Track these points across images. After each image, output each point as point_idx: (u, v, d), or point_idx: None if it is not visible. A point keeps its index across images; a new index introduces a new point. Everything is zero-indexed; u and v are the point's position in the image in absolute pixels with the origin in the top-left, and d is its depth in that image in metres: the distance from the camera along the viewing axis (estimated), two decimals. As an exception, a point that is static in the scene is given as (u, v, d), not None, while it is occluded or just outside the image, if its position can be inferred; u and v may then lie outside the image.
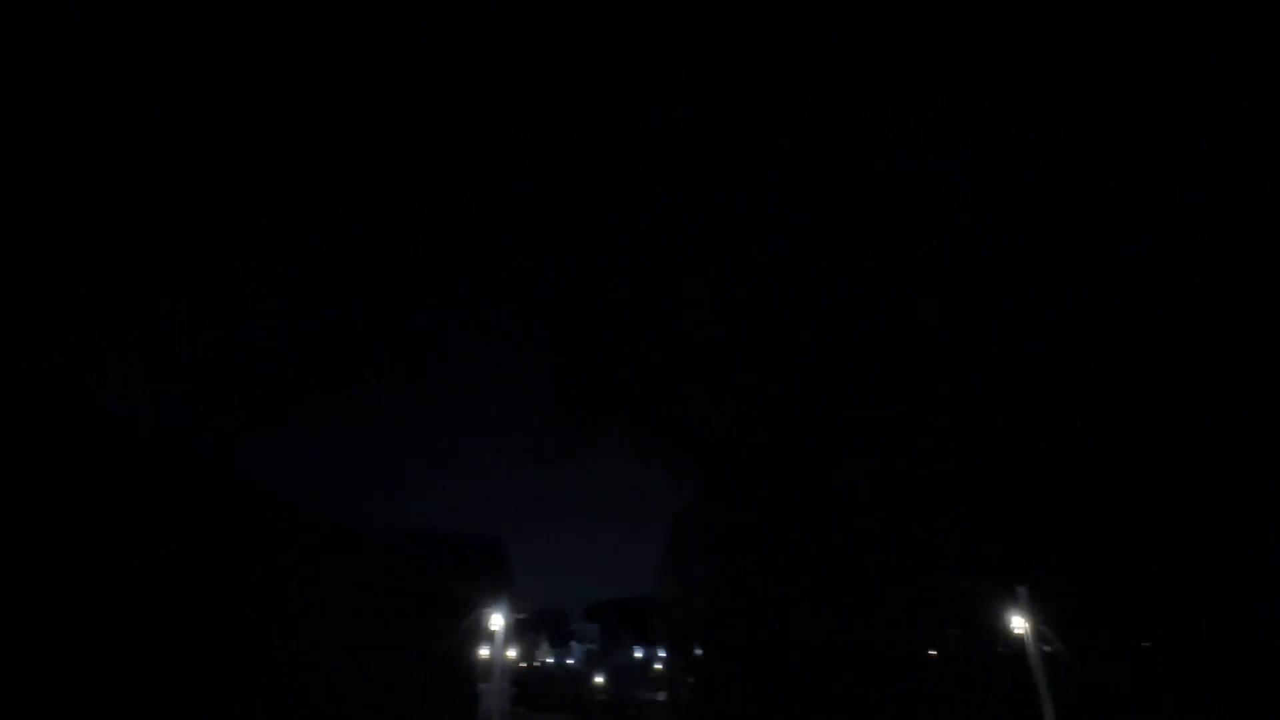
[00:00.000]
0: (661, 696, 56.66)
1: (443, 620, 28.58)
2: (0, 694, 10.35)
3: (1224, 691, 22.29)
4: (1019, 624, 21.84)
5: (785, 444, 30.10)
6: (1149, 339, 26.29)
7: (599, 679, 66.61)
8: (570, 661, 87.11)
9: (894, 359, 29.98)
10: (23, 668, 10.88)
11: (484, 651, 31.70)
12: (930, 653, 30.64)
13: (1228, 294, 28.21)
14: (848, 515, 27.99)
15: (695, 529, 37.26)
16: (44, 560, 11.53)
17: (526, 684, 53.84)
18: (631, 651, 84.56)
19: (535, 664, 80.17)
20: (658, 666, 74.63)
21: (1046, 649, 22.07)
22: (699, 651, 42.11)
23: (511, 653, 36.16)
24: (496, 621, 26.78)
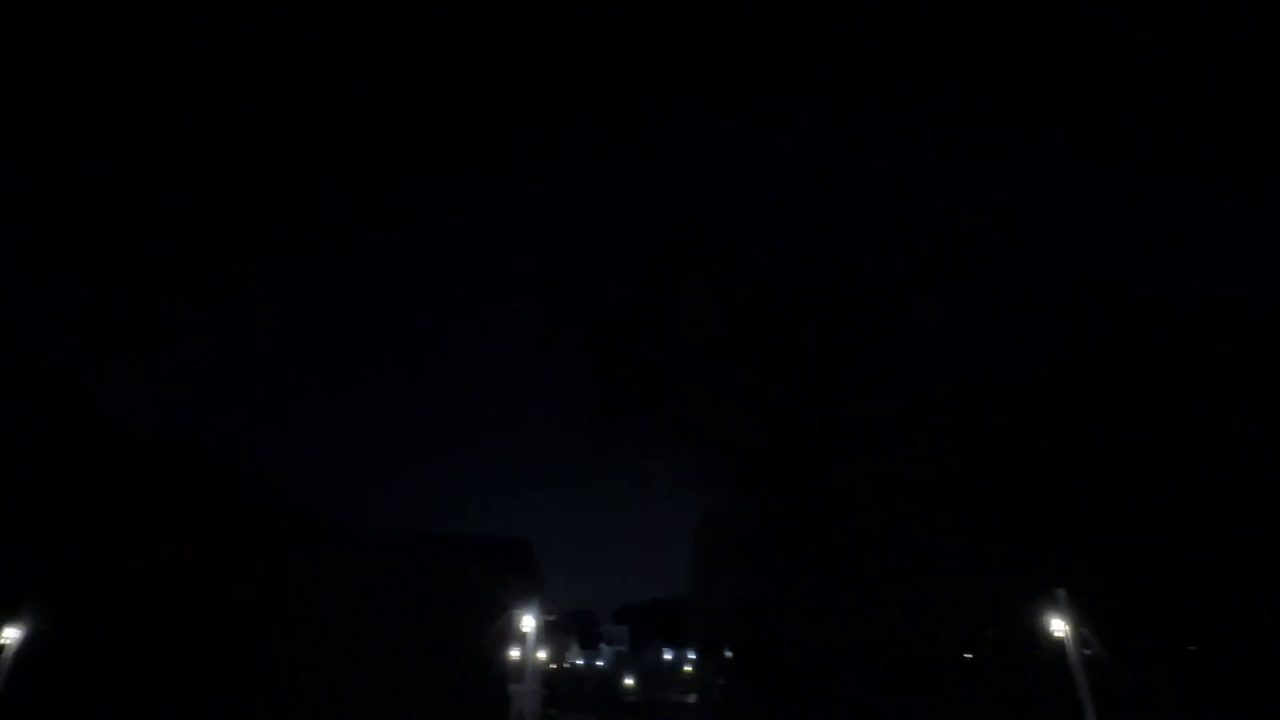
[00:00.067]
0: (692, 699, 56.45)
1: (474, 621, 28.85)
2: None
3: (1267, 694, 21.67)
4: (1059, 627, 21.36)
5: (815, 445, 29.91)
6: (1156, 338, 25.78)
7: (629, 681, 66.62)
8: (600, 663, 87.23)
9: (914, 358, 29.68)
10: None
11: (515, 653, 31.91)
12: (966, 655, 30.12)
13: (1227, 294, 27.59)
14: (879, 517, 27.68)
15: (724, 530, 37.12)
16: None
17: (557, 685, 54.06)
18: (661, 653, 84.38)
19: (565, 665, 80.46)
20: (687, 668, 74.37)
21: (1087, 652, 21.55)
22: (729, 653, 41.91)
23: (542, 654, 36.34)
24: (528, 623, 26.94)
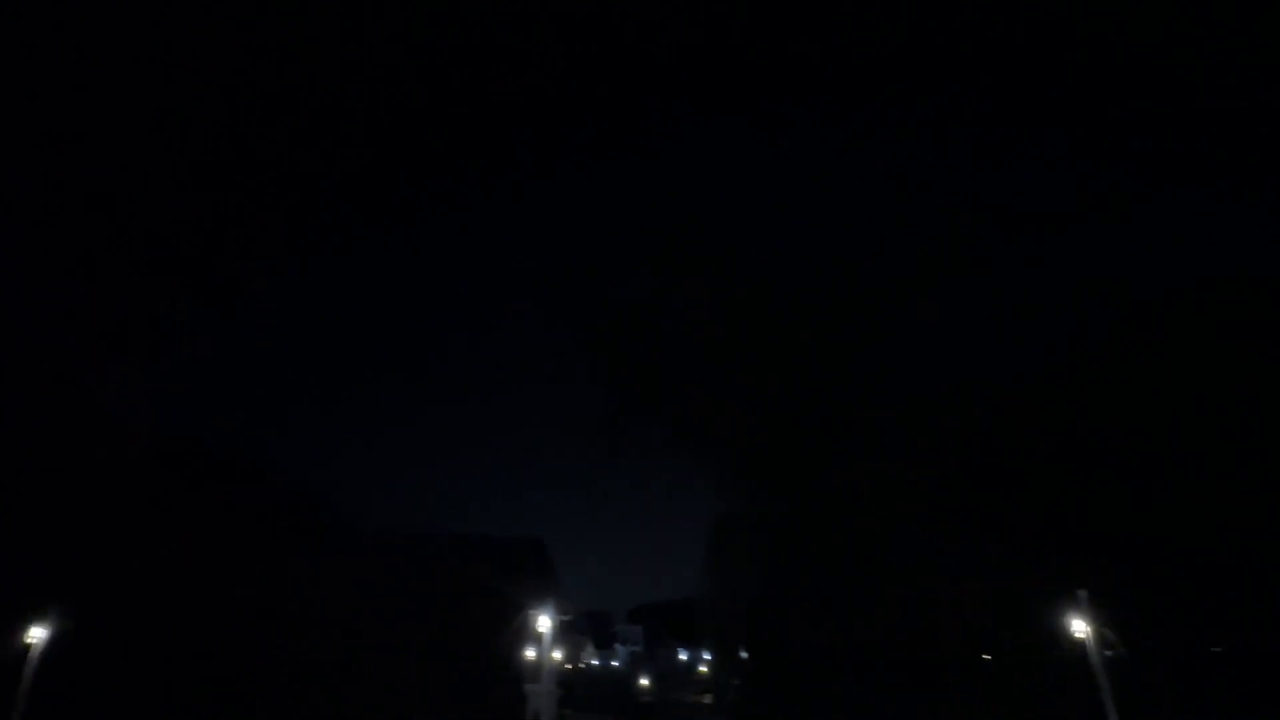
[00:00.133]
0: (707, 699, 56.32)
1: (490, 622, 28.97)
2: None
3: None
4: (1079, 627, 21.13)
5: (823, 445, 29.81)
6: (1159, 336, 25.49)
7: (644, 681, 66.59)
8: (615, 664, 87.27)
9: (917, 356, 29.53)
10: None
11: (531, 653, 32.00)
12: (985, 656, 29.84)
13: (1227, 294, 27.16)
14: (892, 518, 27.51)
15: (737, 530, 37.03)
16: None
17: (572, 685, 54.14)
18: (676, 653, 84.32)
19: (580, 666, 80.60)
20: (702, 669, 74.25)
21: (1108, 653, 21.29)
22: (744, 654, 41.77)
23: (557, 654, 36.42)
24: (544, 623, 27.02)
